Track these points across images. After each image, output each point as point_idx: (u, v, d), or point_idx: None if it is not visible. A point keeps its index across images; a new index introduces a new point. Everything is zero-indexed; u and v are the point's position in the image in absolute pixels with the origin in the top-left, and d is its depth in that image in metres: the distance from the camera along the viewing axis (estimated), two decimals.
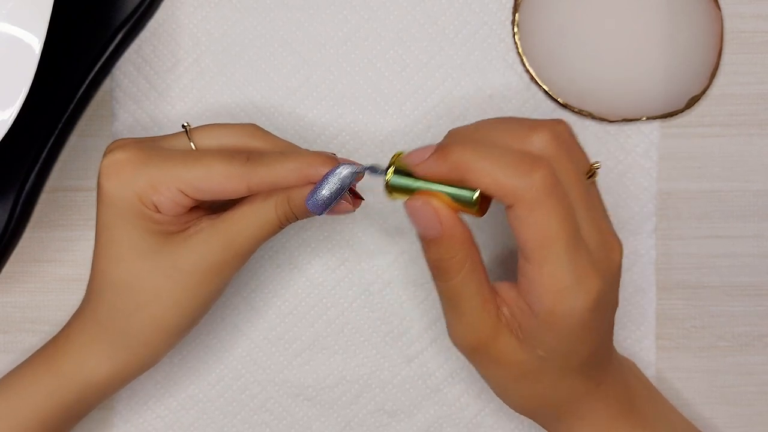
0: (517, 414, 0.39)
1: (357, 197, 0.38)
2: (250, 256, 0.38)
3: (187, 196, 0.36)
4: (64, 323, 0.47)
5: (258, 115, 0.46)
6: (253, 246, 0.37)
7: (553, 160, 0.33)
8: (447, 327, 0.37)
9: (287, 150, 0.38)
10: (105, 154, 0.37)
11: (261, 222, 0.37)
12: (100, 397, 0.40)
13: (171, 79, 0.46)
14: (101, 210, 0.37)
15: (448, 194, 0.34)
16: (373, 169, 0.36)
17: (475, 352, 0.36)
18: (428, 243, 0.35)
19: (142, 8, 0.42)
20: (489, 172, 0.33)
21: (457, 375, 0.46)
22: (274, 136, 0.39)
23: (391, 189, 0.35)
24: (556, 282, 0.33)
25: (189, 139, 0.38)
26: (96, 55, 0.42)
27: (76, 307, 0.46)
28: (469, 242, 0.35)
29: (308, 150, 0.38)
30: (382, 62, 0.46)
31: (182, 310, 0.37)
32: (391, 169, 0.35)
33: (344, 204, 0.37)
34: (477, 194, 0.33)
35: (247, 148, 0.38)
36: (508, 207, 0.33)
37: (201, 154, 0.36)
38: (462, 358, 0.37)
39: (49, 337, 0.47)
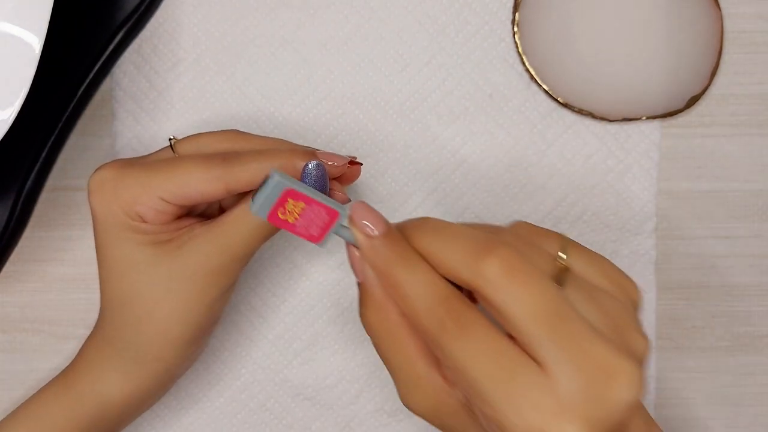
0: None
1: (354, 163, 0.38)
2: (249, 258, 0.38)
3: (169, 203, 0.36)
4: (65, 323, 0.47)
5: (258, 114, 0.46)
6: (251, 249, 0.37)
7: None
8: None
9: (269, 147, 0.38)
10: (91, 176, 0.37)
11: (256, 223, 0.36)
12: (120, 417, 0.39)
13: (171, 79, 0.46)
14: (96, 229, 0.37)
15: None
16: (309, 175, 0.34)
17: (429, 419, 0.33)
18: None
19: (142, 8, 0.42)
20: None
21: None
22: (257, 136, 0.39)
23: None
24: None
25: (173, 150, 0.38)
26: (96, 55, 0.42)
27: (76, 307, 0.46)
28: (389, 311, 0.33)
29: (291, 145, 0.38)
30: (382, 62, 0.46)
31: (186, 319, 0.37)
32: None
33: (336, 194, 0.36)
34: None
35: (230, 152, 0.37)
36: None
37: (179, 160, 0.36)
38: None
39: (50, 337, 0.47)
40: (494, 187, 0.46)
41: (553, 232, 0.33)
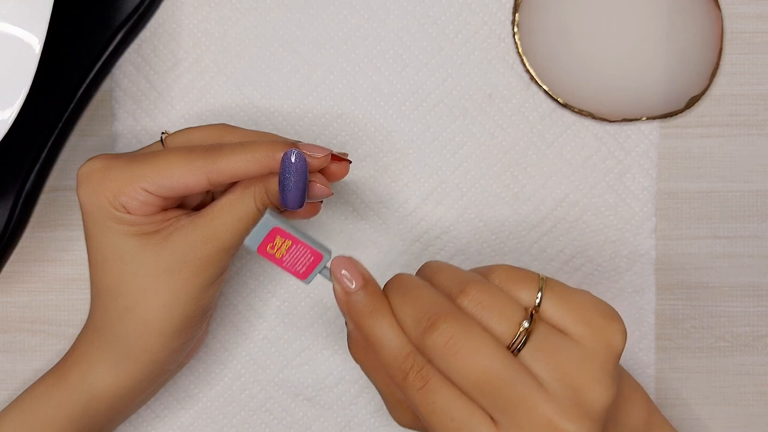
0: None
1: (341, 159, 0.38)
2: (235, 250, 0.38)
3: (152, 194, 0.36)
4: (65, 323, 0.47)
5: (258, 115, 0.46)
6: (237, 239, 0.37)
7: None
8: None
9: (254, 139, 0.38)
10: (79, 167, 0.37)
11: (241, 214, 0.36)
12: (111, 410, 0.39)
13: (171, 79, 0.46)
14: (83, 219, 0.37)
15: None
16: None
17: (414, 429, 0.37)
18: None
19: (142, 8, 0.42)
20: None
21: None
22: (244, 129, 0.39)
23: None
24: None
25: (162, 143, 0.38)
26: (96, 55, 0.42)
27: (76, 307, 0.47)
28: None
29: (274, 137, 0.39)
30: (382, 62, 0.46)
31: (171, 309, 0.37)
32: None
33: (318, 187, 0.37)
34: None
35: (213, 144, 0.37)
36: None
37: (163, 152, 0.37)
38: None
39: (50, 337, 0.47)
40: (494, 187, 0.46)
41: (532, 274, 0.34)
